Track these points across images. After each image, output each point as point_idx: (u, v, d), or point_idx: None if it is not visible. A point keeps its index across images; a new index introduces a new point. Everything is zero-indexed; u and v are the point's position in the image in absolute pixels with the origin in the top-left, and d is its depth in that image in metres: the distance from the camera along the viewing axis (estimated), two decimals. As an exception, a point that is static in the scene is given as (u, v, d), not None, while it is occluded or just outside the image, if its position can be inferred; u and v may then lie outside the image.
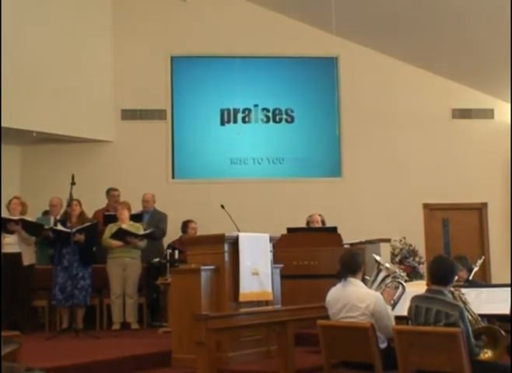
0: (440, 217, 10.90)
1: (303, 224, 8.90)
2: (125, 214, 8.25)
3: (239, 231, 6.49)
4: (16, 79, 9.09)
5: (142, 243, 8.24)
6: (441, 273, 4.45)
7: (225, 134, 10.79)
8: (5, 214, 7.96)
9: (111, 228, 8.18)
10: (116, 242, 8.10)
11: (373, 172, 10.76)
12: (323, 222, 9.10)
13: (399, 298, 5.15)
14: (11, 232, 7.75)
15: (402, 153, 10.83)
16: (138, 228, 8.28)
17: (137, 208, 9.01)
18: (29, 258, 7.91)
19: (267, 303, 6.12)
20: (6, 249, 7.74)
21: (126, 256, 8.14)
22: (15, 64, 9.07)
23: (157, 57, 10.71)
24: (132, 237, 8.10)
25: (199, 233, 8.37)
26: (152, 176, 10.35)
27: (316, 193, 10.49)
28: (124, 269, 8.12)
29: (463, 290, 4.80)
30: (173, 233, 9.01)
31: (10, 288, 7.70)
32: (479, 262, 6.17)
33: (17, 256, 7.77)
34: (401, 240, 9.07)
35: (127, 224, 8.23)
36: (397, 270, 5.24)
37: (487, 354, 4.26)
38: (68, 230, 7.58)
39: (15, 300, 7.73)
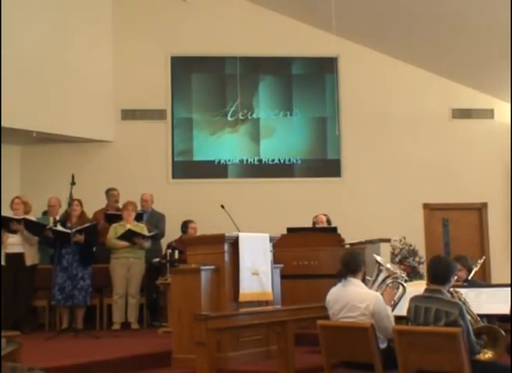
0: (440, 217, 10.90)
1: (302, 224, 8.88)
2: (132, 215, 8.28)
3: (239, 231, 6.48)
4: (16, 79, 9.09)
5: (148, 243, 8.27)
6: (439, 272, 4.45)
7: (225, 134, 10.78)
8: (7, 214, 7.94)
9: (116, 229, 8.17)
10: (122, 243, 8.10)
11: (373, 172, 10.76)
12: (328, 222, 9.13)
13: (399, 298, 5.14)
14: (14, 232, 7.75)
15: (402, 153, 10.83)
16: (143, 229, 8.30)
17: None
18: (32, 258, 7.91)
19: (267, 303, 6.12)
20: (9, 249, 7.77)
21: (131, 257, 8.15)
22: (15, 64, 9.06)
23: (157, 57, 10.70)
24: (140, 238, 8.12)
25: (199, 233, 8.36)
26: (152, 176, 10.35)
27: (316, 193, 10.49)
28: (128, 269, 8.13)
29: (462, 290, 4.80)
30: (173, 233, 9.00)
31: (12, 288, 7.70)
32: (480, 262, 6.17)
33: (20, 256, 7.78)
34: (401, 240, 9.05)
35: (131, 225, 8.24)
36: (398, 271, 5.23)
37: (487, 354, 4.26)
38: (68, 230, 7.58)
39: (16, 300, 7.73)
